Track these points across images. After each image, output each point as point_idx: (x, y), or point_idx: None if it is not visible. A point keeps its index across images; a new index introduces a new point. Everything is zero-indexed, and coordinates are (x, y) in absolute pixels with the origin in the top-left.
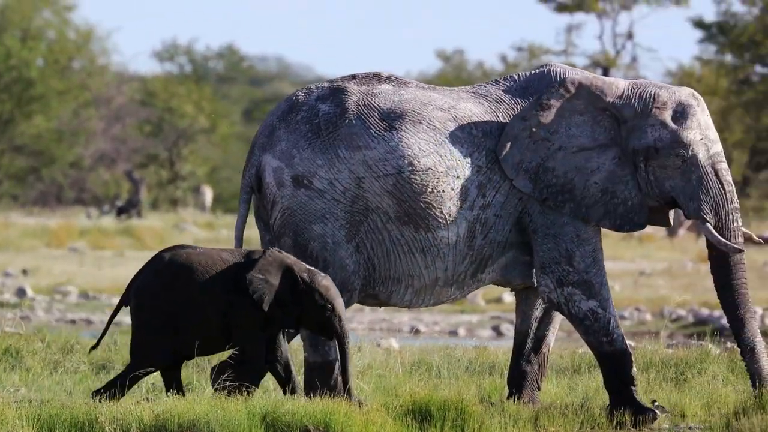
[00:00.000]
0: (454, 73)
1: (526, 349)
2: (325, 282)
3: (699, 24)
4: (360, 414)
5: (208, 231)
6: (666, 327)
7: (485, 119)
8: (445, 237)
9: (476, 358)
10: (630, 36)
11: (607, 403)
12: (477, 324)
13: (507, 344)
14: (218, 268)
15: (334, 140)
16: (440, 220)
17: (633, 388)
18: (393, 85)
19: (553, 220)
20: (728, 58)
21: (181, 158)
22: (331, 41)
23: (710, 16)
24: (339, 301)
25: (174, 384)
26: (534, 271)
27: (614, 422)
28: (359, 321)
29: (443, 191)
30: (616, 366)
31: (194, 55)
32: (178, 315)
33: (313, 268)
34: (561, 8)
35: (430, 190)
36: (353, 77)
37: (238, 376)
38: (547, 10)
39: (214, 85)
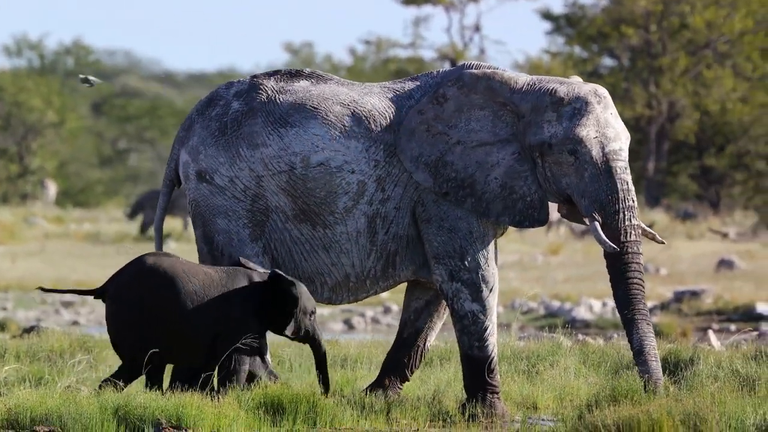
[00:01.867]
0: (303, 66)
1: (402, 339)
2: (306, 289)
3: (547, 16)
4: (212, 407)
5: (57, 225)
6: (517, 319)
7: (386, 113)
8: (344, 233)
9: (327, 352)
10: (478, 28)
11: (460, 396)
12: (328, 317)
13: (358, 337)
14: (205, 279)
15: (237, 138)
16: (337, 215)
17: (492, 395)
18: (311, 82)
19: (447, 211)
20: (576, 50)
21: (30, 152)
22: (179, 34)
23: (558, 8)
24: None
25: (158, 383)
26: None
27: (467, 416)
28: None
29: (338, 186)
30: (479, 371)
31: (42, 50)
32: (165, 321)
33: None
34: (409, 1)
35: (323, 185)
36: (275, 73)
37: (223, 382)
38: (395, 3)
39: (62, 80)
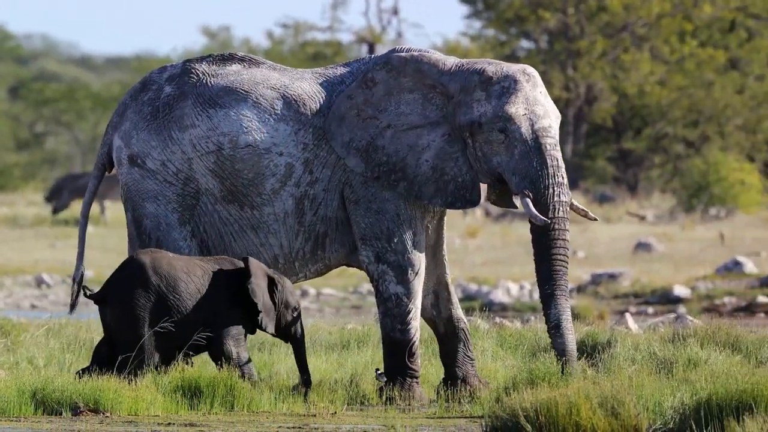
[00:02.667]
0: (220, 50)
1: (440, 334)
2: (291, 285)
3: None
4: (129, 391)
5: None
6: None
7: (315, 98)
8: (272, 214)
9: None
10: (395, 12)
11: (376, 379)
12: None
13: None
14: (202, 274)
15: (168, 122)
16: (264, 197)
17: (411, 379)
18: (243, 66)
19: (375, 193)
20: (494, 33)
21: None
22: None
23: None
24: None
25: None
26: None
27: (384, 399)
28: None
29: (266, 168)
30: (399, 354)
31: None
32: (163, 319)
33: (277, 272)
34: None
35: (251, 167)
36: (208, 57)
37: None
38: None
39: None
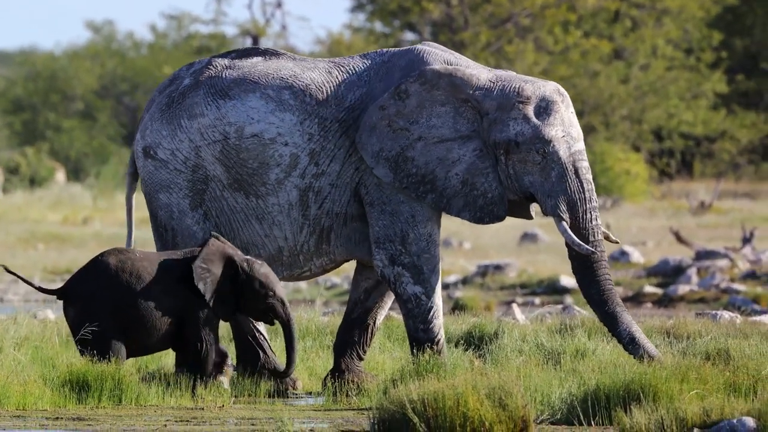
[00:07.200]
0: (104, 44)
1: (351, 318)
2: (263, 270)
3: None
4: (18, 385)
5: None
6: (321, 295)
7: (323, 88)
8: (276, 204)
9: None
10: (279, 4)
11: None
12: None
13: None
14: (167, 269)
15: (180, 111)
16: (268, 186)
17: None
18: (262, 58)
19: (389, 196)
20: (378, 25)
21: None
22: None
23: None
24: (279, 287)
25: None
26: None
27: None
28: (14, 293)
29: (270, 158)
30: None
31: None
32: (129, 315)
33: (250, 257)
34: None
35: (255, 156)
36: (233, 52)
37: (192, 370)
38: None
39: None
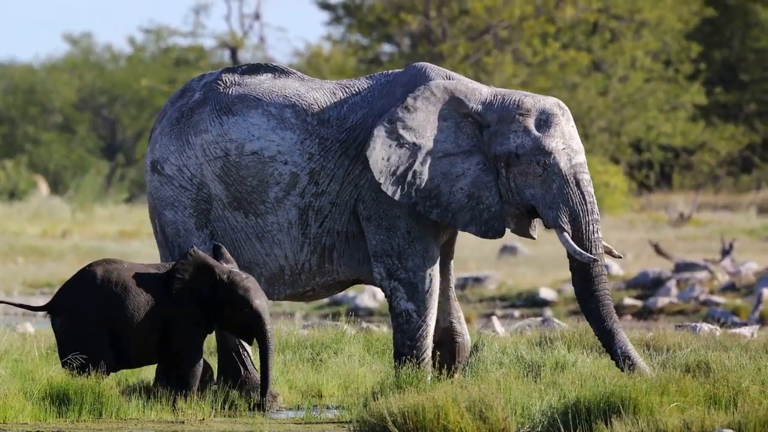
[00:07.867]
0: (83, 57)
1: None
2: (246, 283)
3: (324, 6)
4: None
5: None
6: (301, 308)
7: (326, 108)
8: (276, 223)
9: None
10: (257, 16)
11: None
12: None
13: None
14: (154, 281)
15: (187, 127)
16: (267, 205)
17: None
18: (271, 75)
19: (386, 210)
20: (357, 37)
21: None
22: None
23: None
24: (260, 303)
25: None
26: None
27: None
28: None
29: (269, 176)
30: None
31: None
32: (116, 327)
33: (234, 269)
34: None
35: (255, 174)
36: (243, 66)
37: (178, 382)
38: None
39: None
